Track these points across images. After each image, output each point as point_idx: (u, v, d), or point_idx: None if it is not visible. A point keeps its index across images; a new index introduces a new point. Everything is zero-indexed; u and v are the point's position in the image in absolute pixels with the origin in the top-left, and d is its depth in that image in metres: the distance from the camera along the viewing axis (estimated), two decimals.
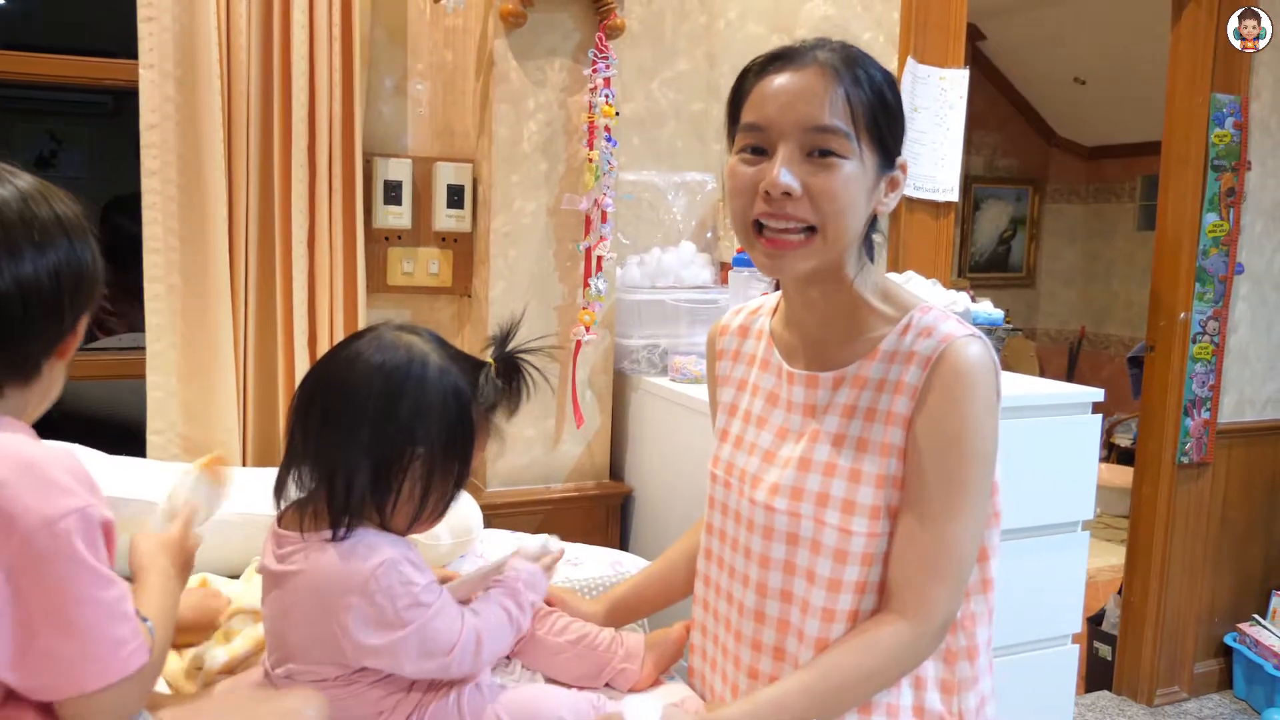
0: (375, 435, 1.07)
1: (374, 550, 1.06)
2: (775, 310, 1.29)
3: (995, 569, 1.18)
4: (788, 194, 1.06)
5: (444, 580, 1.27)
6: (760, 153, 1.10)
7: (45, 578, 0.84)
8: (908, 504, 1.10)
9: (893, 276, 2.39)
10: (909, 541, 1.09)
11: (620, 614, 1.42)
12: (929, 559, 1.08)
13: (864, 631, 1.10)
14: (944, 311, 1.15)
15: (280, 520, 1.13)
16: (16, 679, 0.86)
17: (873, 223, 1.16)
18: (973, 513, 1.09)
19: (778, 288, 1.29)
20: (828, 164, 1.07)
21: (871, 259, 1.19)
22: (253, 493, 1.61)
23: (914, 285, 2.34)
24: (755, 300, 1.37)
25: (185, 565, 1.08)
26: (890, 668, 1.10)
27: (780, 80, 1.09)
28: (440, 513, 1.15)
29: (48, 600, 0.84)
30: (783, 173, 1.06)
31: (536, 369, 1.21)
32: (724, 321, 1.37)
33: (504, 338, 1.20)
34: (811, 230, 1.08)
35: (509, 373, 1.18)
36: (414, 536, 1.24)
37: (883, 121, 1.10)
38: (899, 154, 1.14)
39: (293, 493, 1.11)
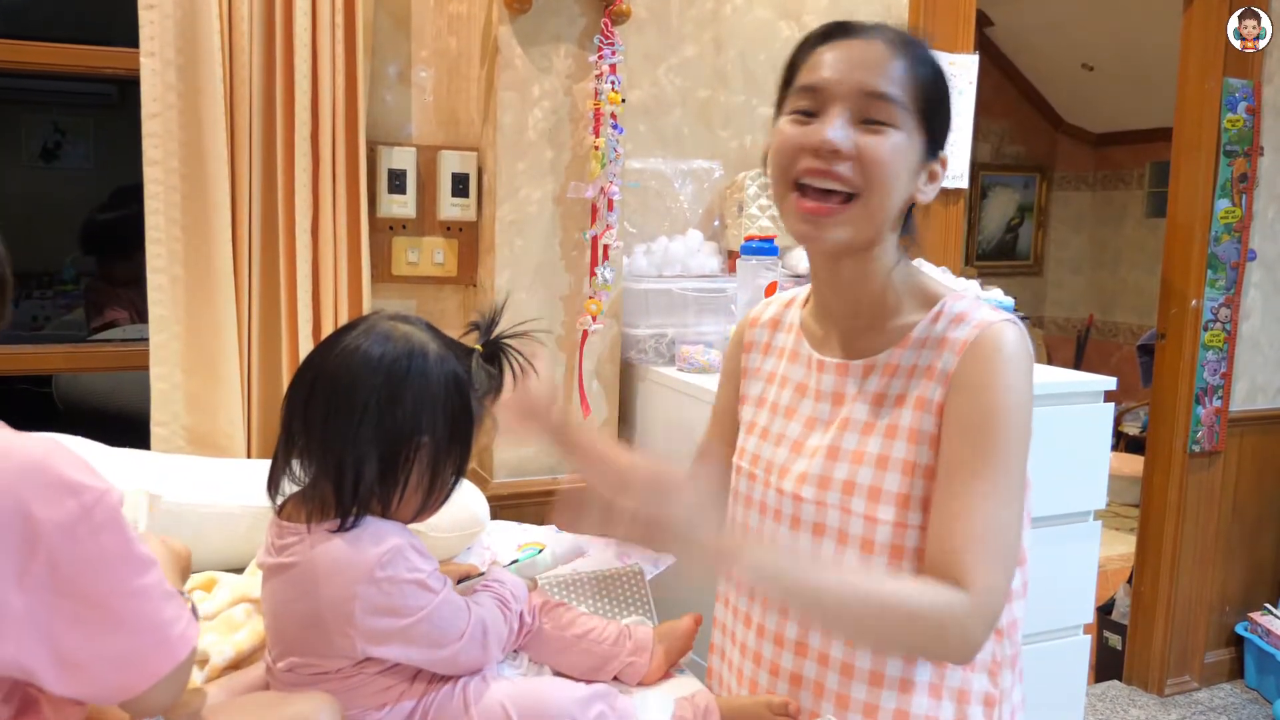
0: (381, 428, 1.06)
1: (379, 539, 1.05)
2: (806, 303, 1.28)
3: (1030, 573, 1.15)
4: (836, 152, 1.04)
5: (466, 576, 1.27)
6: (811, 116, 1.08)
7: (85, 585, 0.80)
8: (943, 485, 1.05)
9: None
10: (950, 521, 1.02)
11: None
12: (974, 537, 1.01)
13: (920, 579, 1.02)
14: (977, 300, 1.13)
15: (281, 512, 1.11)
16: (87, 691, 0.83)
17: (909, 213, 1.15)
18: (1013, 496, 1.04)
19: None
20: (878, 130, 1.05)
21: (907, 252, 1.17)
22: (257, 485, 1.60)
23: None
24: (788, 293, 1.34)
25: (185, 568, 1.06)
26: (929, 619, 0.98)
27: (840, 48, 1.09)
28: (443, 501, 1.15)
29: (95, 606, 0.81)
30: (835, 129, 1.05)
31: (519, 354, 1.20)
32: (755, 313, 1.35)
33: (489, 324, 1.20)
34: (851, 197, 1.06)
35: (493, 359, 1.18)
36: (420, 529, 1.22)
37: (936, 105, 1.09)
38: (943, 146, 1.13)
39: (287, 486, 1.11)
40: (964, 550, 1.01)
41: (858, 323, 1.16)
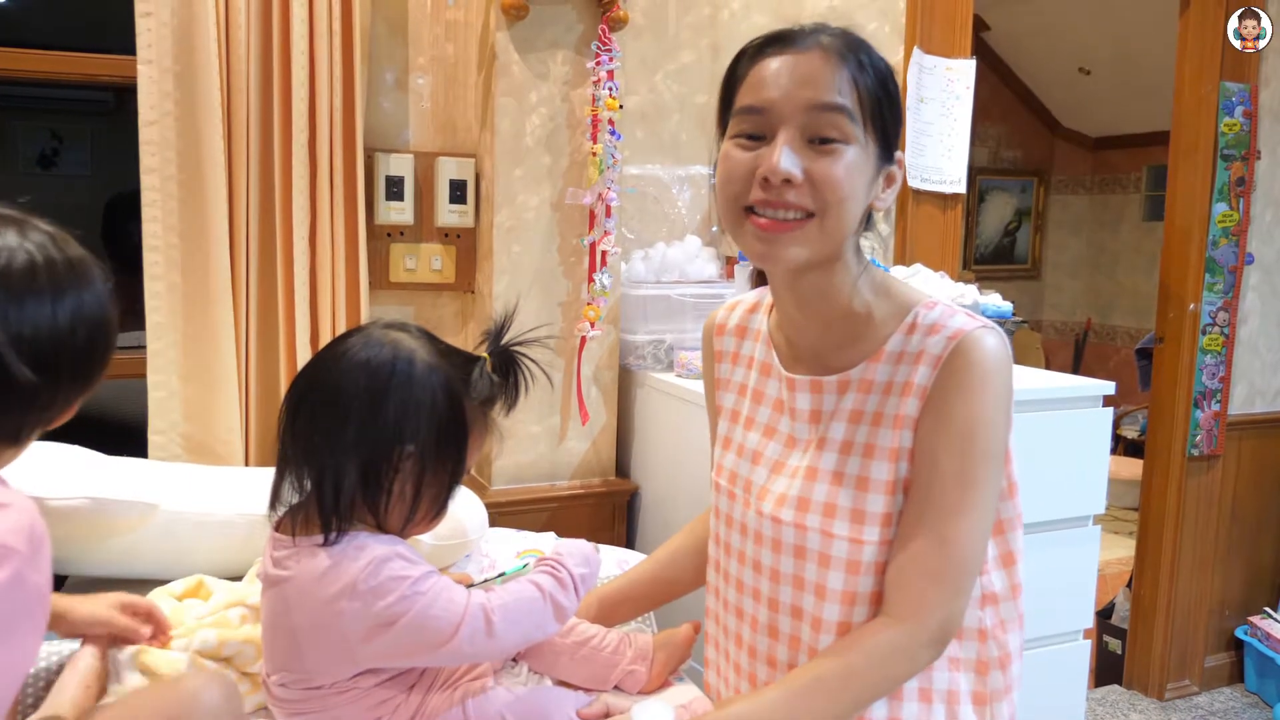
0: (362, 435, 1.04)
1: (362, 551, 1.03)
2: (771, 309, 1.23)
3: (1022, 573, 1.14)
4: (788, 181, 1.00)
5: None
6: (757, 139, 1.04)
7: None
8: (911, 502, 1.05)
9: (899, 270, 2.38)
10: (906, 539, 1.04)
11: (606, 613, 1.38)
12: (926, 559, 1.03)
13: (851, 632, 1.06)
14: (950, 306, 1.09)
15: (279, 526, 1.11)
16: None
17: (867, 220, 1.11)
18: (978, 512, 1.04)
19: (764, 281, 1.21)
20: (830, 150, 1.01)
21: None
22: (255, 493, 1.59)
23: (921, 278, 2.32)
24: (750, 295, 1.29)
25: None
26: (872, 668, 1.02)
27: (780, 62, 1.03)
28: (437, 512, 1.13)
29: None
30: (784, 157, 1.00)
31: (533, 361, 1.18)
32: (719, 320, 1.30)
33: (498, 331, 1.17)
34: (808, 215, 1.02)
35: (505, 367, 1.15)
36: (419, 538, 1.21)
37: (886, 110, 1.05)
38: (896, 146, 1.09)
39: (289, 498, 1.09)
40: (912, 580, 1.04)
41: (829, 337, 1.13)
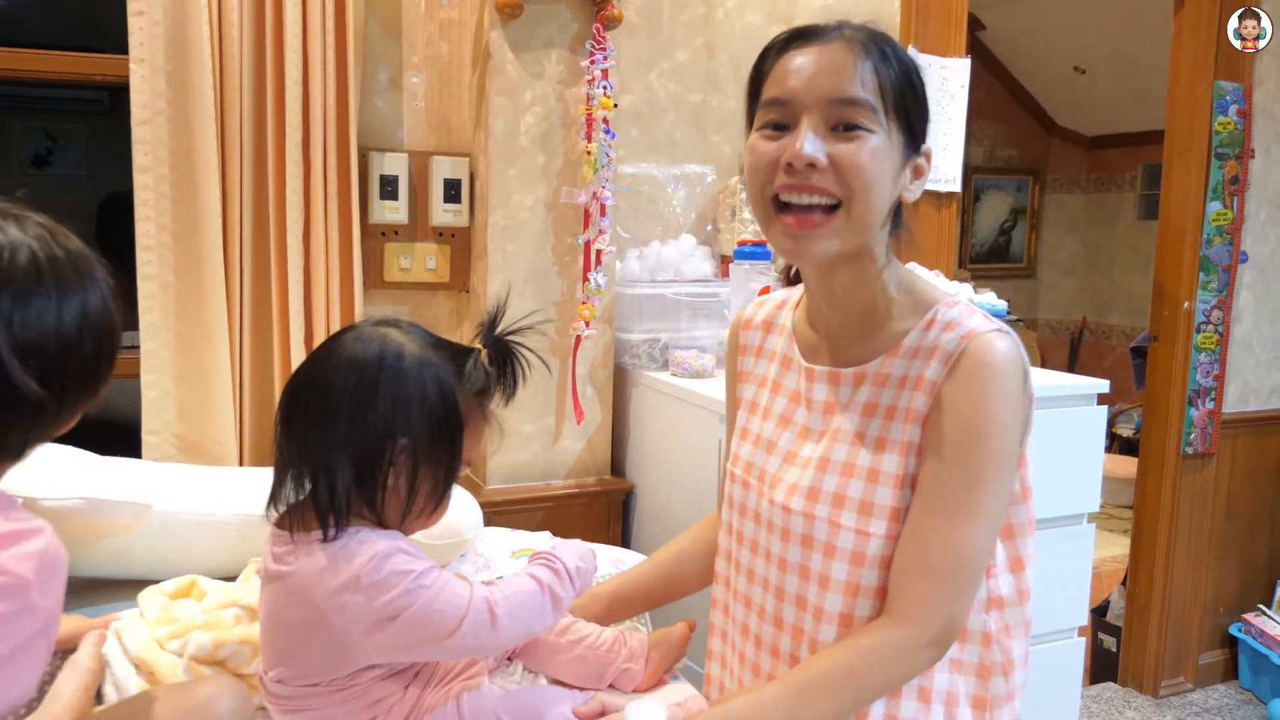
0: (353, 431, 1.04)
1: (364, 545, 1.03)
2: (798, 305, 1.25)
3: (1032, 579, 1.14)
4: (812, 165, 1.02)
5: None
6: (782, 129, 1.06)
7: None
8: (916, 500, 1.06)
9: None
10: (911, 539, 1.05)
11: (605, 612, 1.38)
12: (929, 559, 1.03)
13: (852, 632, 1.06)
14: (970, 306, 1.10)
15: (278, 522, 1.11)
16: None
17: (897, 213, 1.12)
18: (984, 513, 1.04)
19: (794, 280, 1.24)
20: (853, 136, 1.03)
21: (898, 254, 1.15)
22: (249, 493, 1.59)
23: None
24: (780, 293, 1.31)
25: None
26: (873, 668, 1.03)
27: (804, 55, 1.06)
28: (434, 507, 1.12)
29: None
30: (807, 142, 1.02)
31: (529, 350, 1.18)
32: (747, 314, 1.32)
33: (491, 322, 1.17)
34: (834, 208, 1.04)
35: (501, 357, 1.16)
36: (415, 536, 1.21)
37: (910, 101, 1.07)
38: (924, 140, 1.10)
39: (289, 496, 1.09)
40: (913, 579, 1.04)
41: (850, 330, 1.14)
